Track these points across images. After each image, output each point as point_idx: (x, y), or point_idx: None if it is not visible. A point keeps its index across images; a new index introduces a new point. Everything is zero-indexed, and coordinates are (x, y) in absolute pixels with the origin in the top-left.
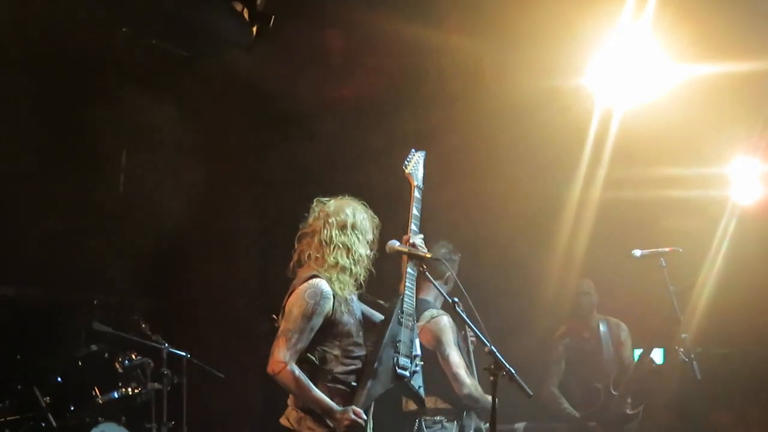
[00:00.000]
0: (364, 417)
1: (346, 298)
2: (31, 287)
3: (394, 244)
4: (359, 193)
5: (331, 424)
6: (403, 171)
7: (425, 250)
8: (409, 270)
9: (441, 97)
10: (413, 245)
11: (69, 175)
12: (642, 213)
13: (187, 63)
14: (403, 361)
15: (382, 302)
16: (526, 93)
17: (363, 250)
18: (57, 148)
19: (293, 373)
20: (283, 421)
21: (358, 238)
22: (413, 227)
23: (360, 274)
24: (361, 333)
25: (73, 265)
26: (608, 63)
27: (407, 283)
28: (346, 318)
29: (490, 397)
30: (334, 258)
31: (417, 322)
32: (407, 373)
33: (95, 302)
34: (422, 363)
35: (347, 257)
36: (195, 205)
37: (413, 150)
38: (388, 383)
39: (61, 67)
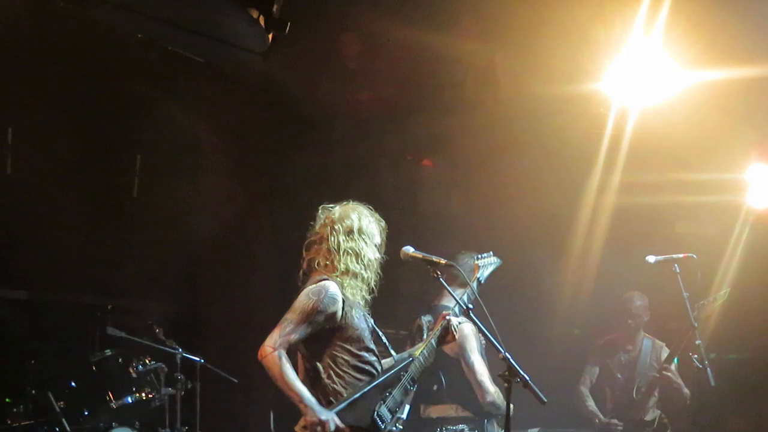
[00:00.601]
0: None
1: (359, 303)
2: (45, 292)
3: (409, 249)
4: (374, 198)
5: (306, 420)
6: (475, 261)
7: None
8: (432, 341)
9: (456, 103)
10: (445, 318)
11: (83, 180)
12: (657, 218)
13: (203, 68)
14: (384, 412)
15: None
16: (540, 99)
17: (372, 254)
18: (71, 154)
19: (279, 358)
20: (297, 429)
21: (365, 243)
22: (455, 310)
23: (371, 279)
24: (372, 339)
25: (87, 269)
26: (622, 68)
27: (424, 350)
28: (356, 322)
29: None
30: (344, 264)
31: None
32: (382, 425)
33: (109, 307)
34: (401, 427)
35: (357, 262)
36: (210, 211)
37: (492, 252)
38: (360, 420)
39: (77, 72)
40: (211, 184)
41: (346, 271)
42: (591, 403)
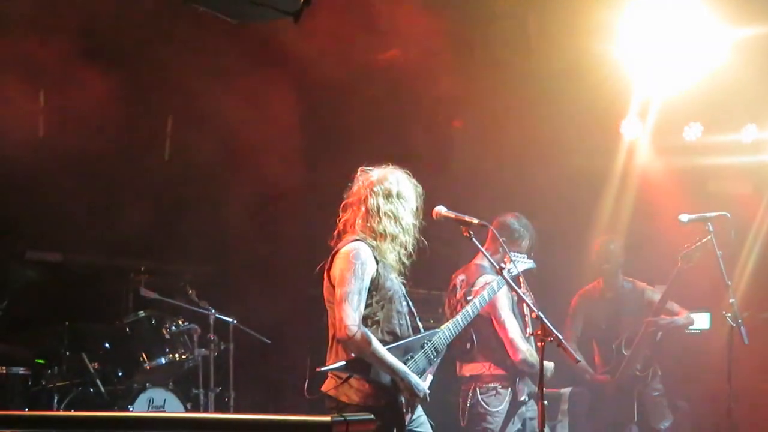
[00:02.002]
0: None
1: (391, 266)
2: (79, 254)
3: (441, 209)
4: (407, 158)
5: (401, 389)
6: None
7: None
8: (459, 317)
9: (488, 63)
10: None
11: (115, 144)
12: (689, 178)
13: (233, 30)
14: None
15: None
16: (572, 59)
17: (409, 218)
18: (103, 117)
19: (367, 335)
20: (324, 387)
21: (403, 206)
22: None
23: (408, 242)
24: (403, 303)
25: (120, 231)
26: (656, 26)
27: (450, 324)
28: (389, 284)
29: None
30: (382, 226)
31: (473, 287)
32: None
33: (142, 268)
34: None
35: (395, 225)
36: (240, 171)
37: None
38: (380, 378)
39: (108, 34)
40: (241, 145)
41: (384, 234)
42: (579, 357)
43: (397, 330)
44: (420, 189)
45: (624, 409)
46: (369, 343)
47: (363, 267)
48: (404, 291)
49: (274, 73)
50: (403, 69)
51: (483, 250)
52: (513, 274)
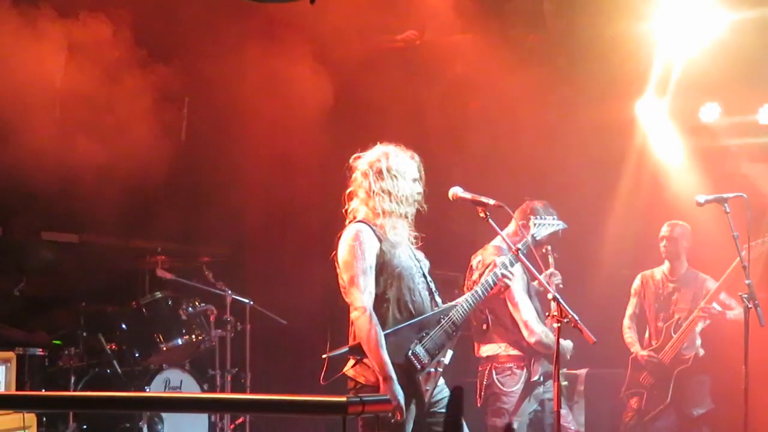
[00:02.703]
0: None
1: (402, 242)
2: (95, 235)
3: (457, 191)
4: (419, 139)
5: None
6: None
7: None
8: (478, 288)
9: (503, 41)
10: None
11: (132, 125)
12: (707, 158)
13: (252, 12)
14: (420, 351)
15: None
16: (588, 38)
17: (406, 190)
18: (122, 99)
19: (370, 320)
20: (345, 369)
21: (396, 179)
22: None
23: (409, 213)
24: (417, 279)
25: (136, 212)
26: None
27: (469, 296)
28: (397, 261)
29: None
30: (380, 206)
31: (489, 268)
32: (417, 364)
33: (159, 249)
34: (441, 370)
35: (391, 201)
36: (258, 154)
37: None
38: (394, 356)
39: (124, 15)
40: (258, 127)
41: (383, 212)
42: (630, 333)
43: (411, 307)
44: (417, 158)
45: (659, 390)
46: (370, 327)
47: (363, 247)
48: (421, 266)
49: (290, 53)
50: (419, 49)
51: (500, 231)
52: (538, 238)
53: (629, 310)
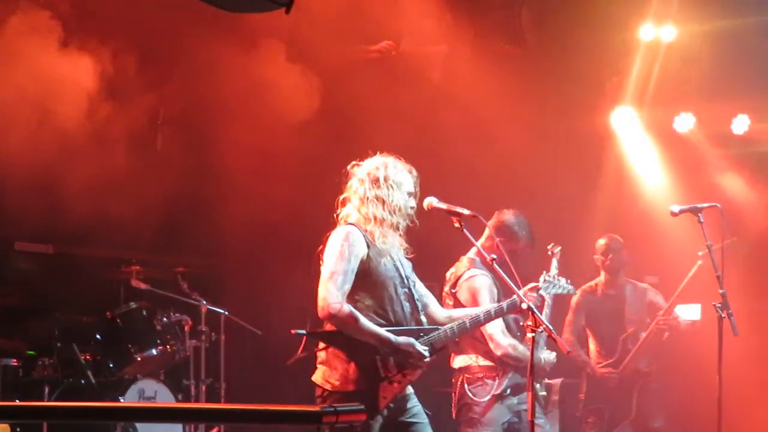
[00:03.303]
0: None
1: (388, 251)
2: (70, 245)
3: (433, 201)
4: (396, 149)
5: (390, 354)
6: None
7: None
8: (468, 321)
9: (482, 52)
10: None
11: (107, 134)
12: (681, 168)
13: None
14: (390, 361)
15: None
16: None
17: (400, 201)
18: (97, 109)
19: (352, 312)
20: (313, 377)
21: (392, 189)
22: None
23: (399, 224)
24: (400, 290)
25: (111, 223)
26: None
27: (455, 325)
28: (381, 269)
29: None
30: (371, 212)
31: (460, 280)
32: (382, 372)
33: (133, 260)
34: (406, 385)
35: (383, 209)
36: (232, 163)
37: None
38: (362, 355)
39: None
40: (235, 137)
41: (374, 219)
42: (581, 352)
43: (390, 316)
44: (415, 172)
45: (622, 405)
46: (354, 318)
47: (350, 249)
48: (407, 276)
49: (268, 63)
50: (395, 60)
51: (474, 241)
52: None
53: (570, 326)
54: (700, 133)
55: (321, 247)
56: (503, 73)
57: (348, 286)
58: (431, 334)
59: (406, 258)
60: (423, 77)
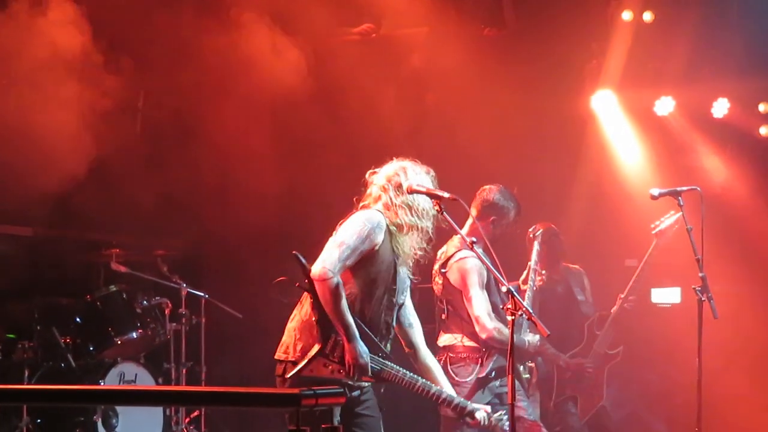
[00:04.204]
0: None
1: (395, 260)
2: (49, 228)
3: (413, 184)
4: (376, 132)
5: (347, 356)
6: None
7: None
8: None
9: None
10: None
11: (89, 118)
12: (661, 152)
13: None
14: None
15: None
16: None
17: (425, 204)
18: (77, 91)
19: (338, 286)
20: (278, 355)
21: (414, 195)
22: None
23: (428, 227)
24: (385, 295)
25: (91, 205)
26: None
27: (408, 374)
28: (384, 269)
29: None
30: (400, 219)
31: (452, 260)
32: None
33: (113, 242)
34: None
35: (411, 214)
36: (214, 147)
37: None
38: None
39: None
40: (215, 119)
41: (402, 225)
42: (548, 346)
43: (366, 313)
44: (432, 172)
45: (593, 390)
46: (337, 294)
47: (370, 231)
48: (400, 290)
49: (247, 44)
50: (375, 42)
51: (455, 225)
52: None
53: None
54: (680, 116)
55: (341, 220)
56: (484, 56)
57: (349, 263)
58: (389, 363)
59: (410, 278)
60: (403, 60)
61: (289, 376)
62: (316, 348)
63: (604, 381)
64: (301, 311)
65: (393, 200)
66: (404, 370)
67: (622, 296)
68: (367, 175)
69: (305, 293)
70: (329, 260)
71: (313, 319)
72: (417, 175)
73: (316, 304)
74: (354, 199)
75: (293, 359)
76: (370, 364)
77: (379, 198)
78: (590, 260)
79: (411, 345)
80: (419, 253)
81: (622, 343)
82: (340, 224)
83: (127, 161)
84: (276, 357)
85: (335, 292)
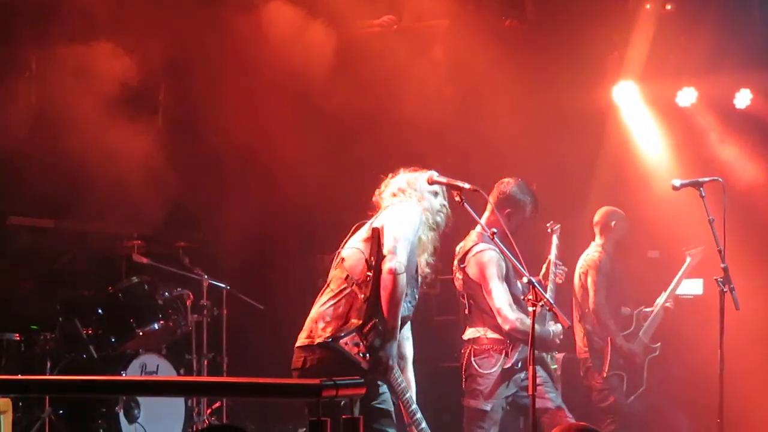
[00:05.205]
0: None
1: (418, 256)
2: (71, 220)
3: (434, 174)
4: (396, 125)
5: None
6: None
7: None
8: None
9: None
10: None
11: (110, 110)
12: (683, 143)
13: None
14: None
15: None
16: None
17: (435, 202)
18: (97, 85)
19: (402, 283)
20: (301, 341)
21: (432, 195)
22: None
23: (441, 224)
24: (410, 291)
25: (113, 197)
26: None
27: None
28: (413, 261)
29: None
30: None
31: (469, 254)
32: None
33: (135, 234)
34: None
35: (435, 215)
36: (233, 137)
37: None
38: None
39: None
40: (235, 111)
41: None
42: (611, 322)
43: (402, 307)
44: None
45: (636, 375)
46: (399, 288)
47: (419, 226)
48: (419, 279)
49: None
50: (396, 34)
51: (475, 215)
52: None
53: (603, 293)
54: (702, 107)
55: (372, 213)
56: (504, 48)
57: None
58: (397, 368)
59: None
60: (424, 52)
61: (320, 340)
62: (356, 323)
63: (645, 368)
64: (333, 298)
65: (423, 194)
66: (402, 377)
67: (666, 305)
68: (389, 177)
69: (336, 280)
70: (398, 258)
71: (361, 297)
72: (416, 181)
73: (374, 285)
74: (373, 198)
75: (321, 341)
76: (393, 370)
77: (404, 192)
78: (615, 252)
79: (402, 355)
80: (432, 247)
81: (658, 339)
82: (376, 217)
83: (149, 154)
84: (298, 345)
85: (403, 291)
